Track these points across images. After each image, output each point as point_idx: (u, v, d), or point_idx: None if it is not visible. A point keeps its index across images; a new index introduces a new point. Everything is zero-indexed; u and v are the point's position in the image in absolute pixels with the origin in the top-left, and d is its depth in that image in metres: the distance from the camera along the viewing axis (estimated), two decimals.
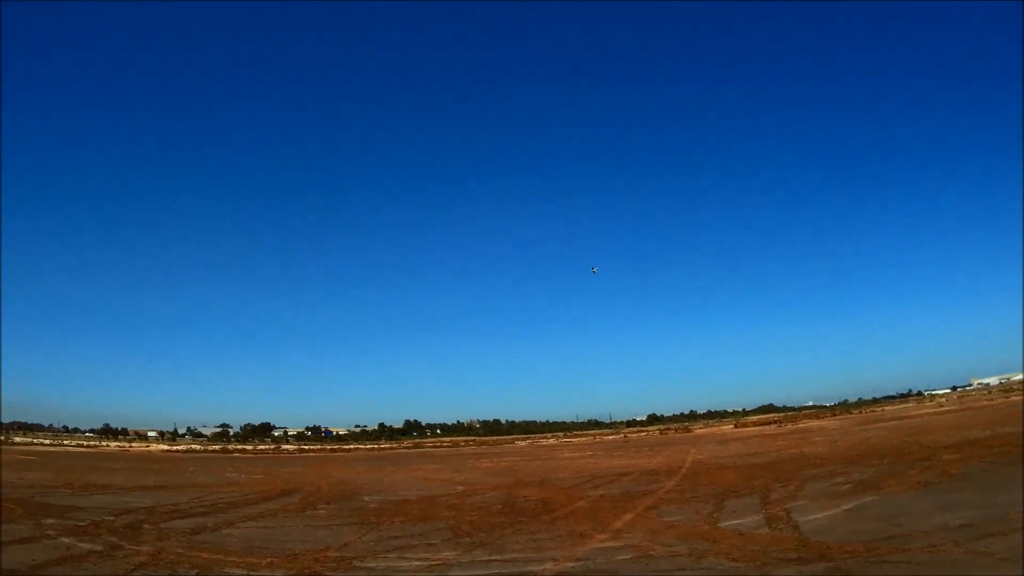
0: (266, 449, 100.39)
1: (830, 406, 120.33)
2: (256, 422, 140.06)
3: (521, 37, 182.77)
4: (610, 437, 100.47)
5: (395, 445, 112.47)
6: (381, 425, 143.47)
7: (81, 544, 13.56)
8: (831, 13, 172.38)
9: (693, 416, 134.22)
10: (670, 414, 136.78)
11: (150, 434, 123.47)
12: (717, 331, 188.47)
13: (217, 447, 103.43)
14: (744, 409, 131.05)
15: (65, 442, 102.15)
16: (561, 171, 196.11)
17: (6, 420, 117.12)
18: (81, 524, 16.04)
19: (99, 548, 13.27)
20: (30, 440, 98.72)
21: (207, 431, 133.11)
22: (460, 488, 27.21)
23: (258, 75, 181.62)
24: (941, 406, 76.99)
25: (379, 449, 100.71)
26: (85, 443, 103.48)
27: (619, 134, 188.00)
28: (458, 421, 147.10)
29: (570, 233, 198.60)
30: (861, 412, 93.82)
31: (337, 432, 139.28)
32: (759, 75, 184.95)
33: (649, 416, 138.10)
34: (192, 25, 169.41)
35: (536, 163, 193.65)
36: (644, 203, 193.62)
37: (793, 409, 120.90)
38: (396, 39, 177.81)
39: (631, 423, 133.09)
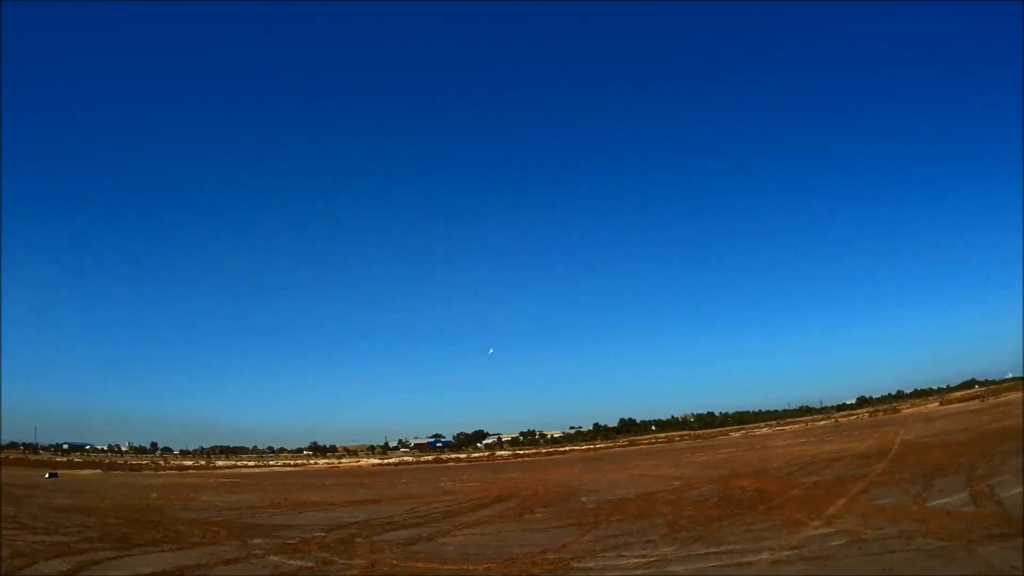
0: (480, 456, 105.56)
1: None
2: (468, 430, 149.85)
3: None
4: (821, 422, 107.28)
5: (610, 444, 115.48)
6: (596, 425, 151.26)
7: (291, 561, 14.01)
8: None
9: (900, 396, 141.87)
10: (878, 395, 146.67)
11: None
12: (920, 310, 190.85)
13: (430, 457, 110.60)
14: (948, 386, 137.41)
15: (271, 462, 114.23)
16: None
17: (208, 445, 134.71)
18: (290, 542, 16.82)
19: (310, 564, 13.66)
20: (233, 463, 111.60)
21: (419, 442, 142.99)
22: (677, 483, 28.45)
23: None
24: None
25: (595, 449, 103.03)
26: (292, 462, 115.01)
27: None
28: (672, 416, 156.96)
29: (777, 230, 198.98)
30: None
31: (551, 435, 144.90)
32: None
33: (858, 399, 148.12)
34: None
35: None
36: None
37: (994, 382, 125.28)
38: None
39: (841, 407, 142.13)
